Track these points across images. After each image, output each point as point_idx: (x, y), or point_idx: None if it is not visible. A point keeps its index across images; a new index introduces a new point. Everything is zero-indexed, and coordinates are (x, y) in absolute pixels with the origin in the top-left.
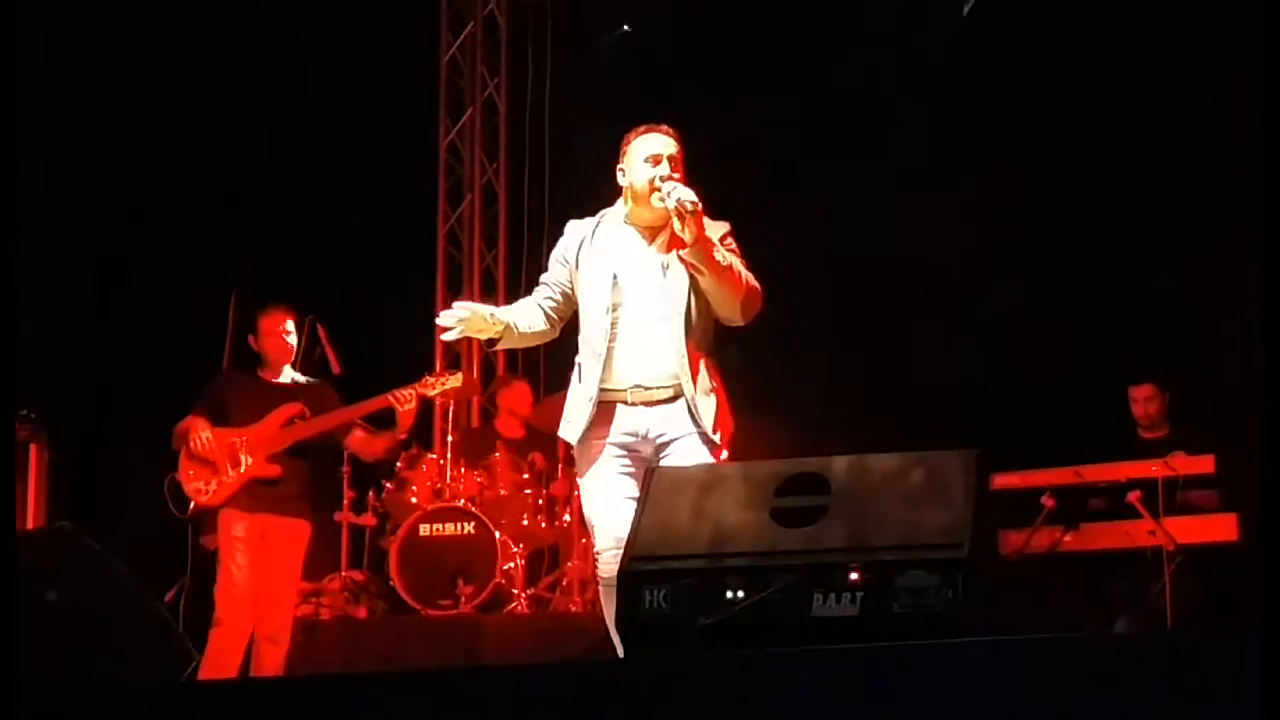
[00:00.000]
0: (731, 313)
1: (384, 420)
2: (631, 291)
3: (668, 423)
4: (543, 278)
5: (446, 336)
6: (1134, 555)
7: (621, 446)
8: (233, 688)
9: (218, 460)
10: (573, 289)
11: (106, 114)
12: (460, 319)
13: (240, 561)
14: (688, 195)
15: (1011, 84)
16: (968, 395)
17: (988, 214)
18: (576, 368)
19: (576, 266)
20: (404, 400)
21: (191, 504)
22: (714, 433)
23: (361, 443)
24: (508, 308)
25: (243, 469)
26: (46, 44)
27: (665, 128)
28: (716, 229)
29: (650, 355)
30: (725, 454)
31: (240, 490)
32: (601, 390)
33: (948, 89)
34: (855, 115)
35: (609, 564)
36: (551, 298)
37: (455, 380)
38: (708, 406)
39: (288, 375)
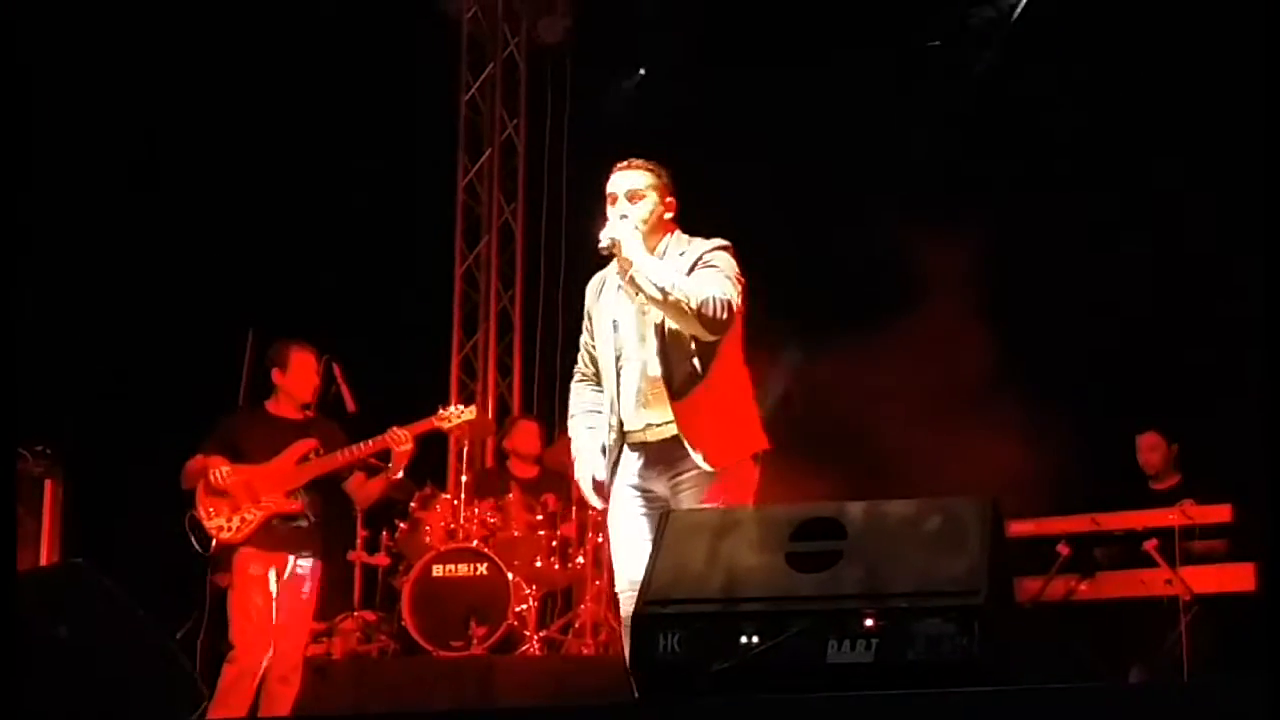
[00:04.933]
0: (693, 330)
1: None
2: (628, 334)
3: (675, 462)
4: (581, 340)
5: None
6: (1150, 604)
7: (637, 489)
8: None
9: (237, 495)
10: None
11: (128, 154)
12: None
13: (259, 602)
14: (605, 234)
15: (1009, 117)
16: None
17: (1002, 260)
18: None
19: (591, 321)
20: (399, 440)
21: (214, 541)
22: (706, 464)
23: (358, 486)
24: (584, 426)
25: (264, 504)
26: (58, 83)
27: (629, 162)
28: (704, 245)
29: (649, 395)
30: (724, 490)
31: (260, 527)
32: (619, 434)
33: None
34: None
35: (626, 604)
36: (594, 358)
37: (469, 413)
38: (697, 441)
39: (299, 412)
